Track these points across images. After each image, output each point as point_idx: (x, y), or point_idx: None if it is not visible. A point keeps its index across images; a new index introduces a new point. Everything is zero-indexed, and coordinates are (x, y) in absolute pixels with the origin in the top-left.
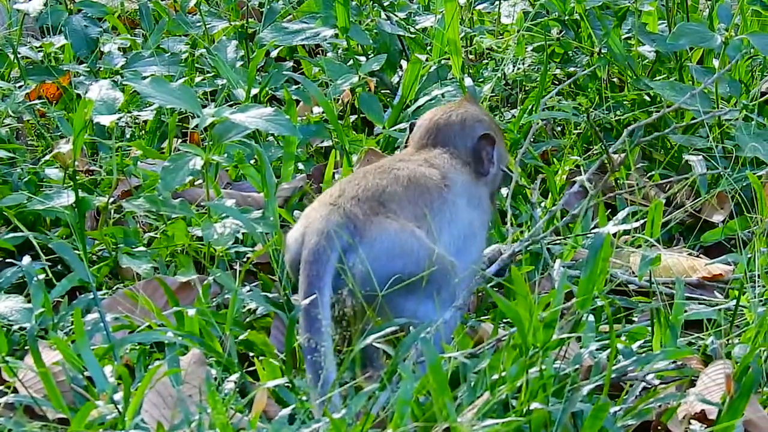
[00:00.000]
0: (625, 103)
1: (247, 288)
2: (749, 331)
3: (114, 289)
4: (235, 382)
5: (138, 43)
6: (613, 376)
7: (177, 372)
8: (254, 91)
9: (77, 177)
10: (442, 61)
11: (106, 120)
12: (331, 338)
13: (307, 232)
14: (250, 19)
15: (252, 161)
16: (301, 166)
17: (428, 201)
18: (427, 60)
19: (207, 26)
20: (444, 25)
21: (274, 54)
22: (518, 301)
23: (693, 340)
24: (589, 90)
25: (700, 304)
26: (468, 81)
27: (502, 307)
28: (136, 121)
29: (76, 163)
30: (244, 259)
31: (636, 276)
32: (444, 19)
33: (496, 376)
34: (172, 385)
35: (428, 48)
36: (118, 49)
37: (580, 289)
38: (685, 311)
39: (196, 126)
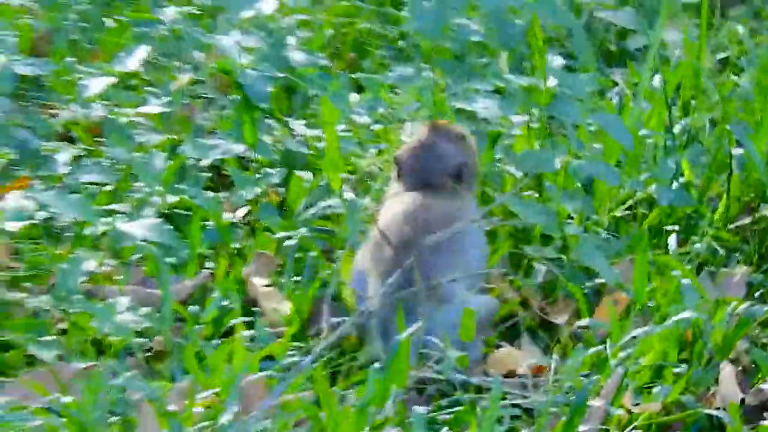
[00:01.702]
0: None
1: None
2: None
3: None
4: None
5: (101, 152)
6: None
7: None
8: (172, 198)
9: None
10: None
11: (14, 225)
12: None
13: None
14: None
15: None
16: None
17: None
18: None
19: (143, 140)
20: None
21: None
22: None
23: None
24: None
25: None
26: (349, 195)
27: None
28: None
29: None
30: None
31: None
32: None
33: None
34: None
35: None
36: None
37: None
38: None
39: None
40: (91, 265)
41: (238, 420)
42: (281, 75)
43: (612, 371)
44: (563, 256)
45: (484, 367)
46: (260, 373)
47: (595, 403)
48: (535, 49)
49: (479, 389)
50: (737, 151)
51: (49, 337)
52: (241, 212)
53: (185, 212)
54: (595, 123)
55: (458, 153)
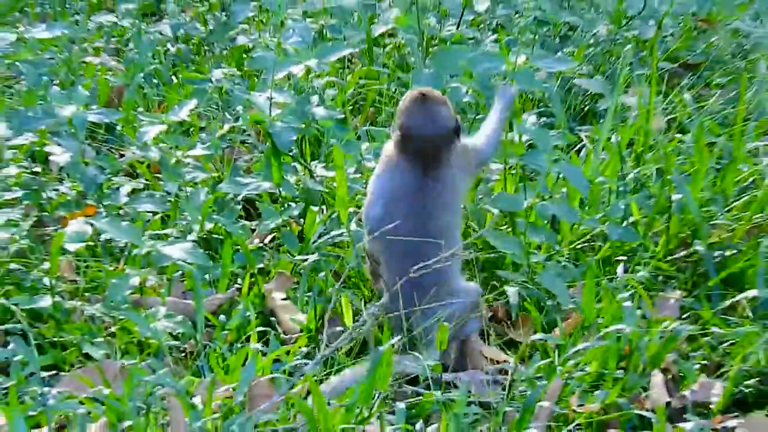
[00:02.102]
0: None
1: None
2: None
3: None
4: None
5: (158, 185)
6: None
7: None
8: (208, 225)
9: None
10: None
11: (73, 247)
12: None
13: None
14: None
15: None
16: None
17: None
18: (327, 209)
19: (189, 177)
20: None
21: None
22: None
23: None
24: None
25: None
26: (354, 227)
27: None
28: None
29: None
30: (180, 350)
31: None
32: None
33: None
34: None
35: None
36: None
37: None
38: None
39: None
40: (136, 280)
41: (247, 412)
42: (303, 126)
43: (558, 378)
44: (528, 281)
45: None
46: (270, 375)
47: (543, 404)
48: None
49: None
50: (676, 197)
51: (100, 339)
52: (268, 238)
53: (221, 237)
54: (559, 172)
55: (450, 114)
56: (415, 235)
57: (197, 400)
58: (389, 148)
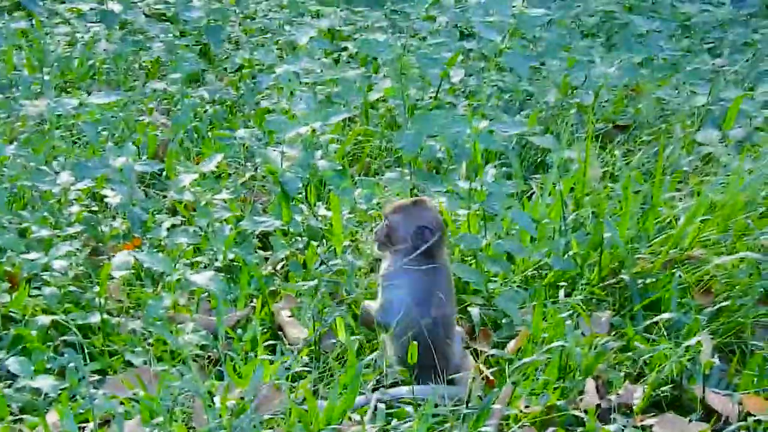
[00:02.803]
0: None
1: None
2: None
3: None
4: None
5: (194, 221)
6: None
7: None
8: (230, 255)
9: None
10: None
11: (118, 274)
12: None
13: None
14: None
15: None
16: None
17: None
18: (325, 242)
19: (216, 216)
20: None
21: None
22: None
23: None
24: None
25: None
26: (350, 257)
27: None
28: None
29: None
30: (206, 357)
31: None
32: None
33: None
34: None
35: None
36: (171, 225)
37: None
38: None
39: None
40: (168, 301)
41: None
42: (309, 176)
43: (508, 384)
44: (487, 303)
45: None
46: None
47: (496, 406)
48: (475, 164)
49: None
50: (607, 235)
51: (139, 349)
52: (279, 266)
53: (240, 265)
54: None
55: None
56: None
57: (216, 400)
58: None
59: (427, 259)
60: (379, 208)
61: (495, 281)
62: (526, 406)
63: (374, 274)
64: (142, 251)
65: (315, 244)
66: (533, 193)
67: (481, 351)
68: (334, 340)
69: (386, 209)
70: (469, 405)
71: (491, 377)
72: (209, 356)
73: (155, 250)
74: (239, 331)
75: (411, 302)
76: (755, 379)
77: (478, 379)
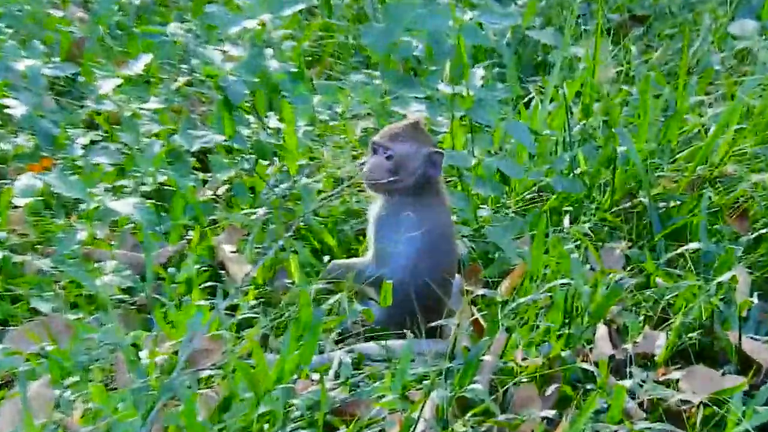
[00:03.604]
0: None
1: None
2: None
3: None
4: None
5: (118, 137)
6: None
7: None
8: (161, 178)
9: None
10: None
11: (21, 201)
12: None
13: None
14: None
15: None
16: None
17: None
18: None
19: (144, 129)
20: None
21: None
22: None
23: None
24: None
25: None
26: (304, 180)
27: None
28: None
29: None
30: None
31: None
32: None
33: None
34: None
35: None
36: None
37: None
38: None
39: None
40: (84, 234)
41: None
42: (256, 80)
43: (501, 332)
44: (476, 234)
45: None
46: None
47: (487, 358)
48: (460, 64)
49: None
50: (621, 149)
51: (48, 292)
52: (221, 190)
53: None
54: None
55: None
56: None
57: (143, 355)
58: None
59: (430, 194)
60: (342, 119)
61: (485, 207)
62: (524, 359)
63: (335, 198)
64: (52, 173)
65: (265, 163)
66: (531, 98)
67: (468, 291)
68: (288, 281)
69: (383, 139)
70: (454, 358)
71: (482, 322)
72: (135, 301)
73: (68, 172)
74: (171, 270)
75: (418, 251)
76: None
77: (465, 324)
